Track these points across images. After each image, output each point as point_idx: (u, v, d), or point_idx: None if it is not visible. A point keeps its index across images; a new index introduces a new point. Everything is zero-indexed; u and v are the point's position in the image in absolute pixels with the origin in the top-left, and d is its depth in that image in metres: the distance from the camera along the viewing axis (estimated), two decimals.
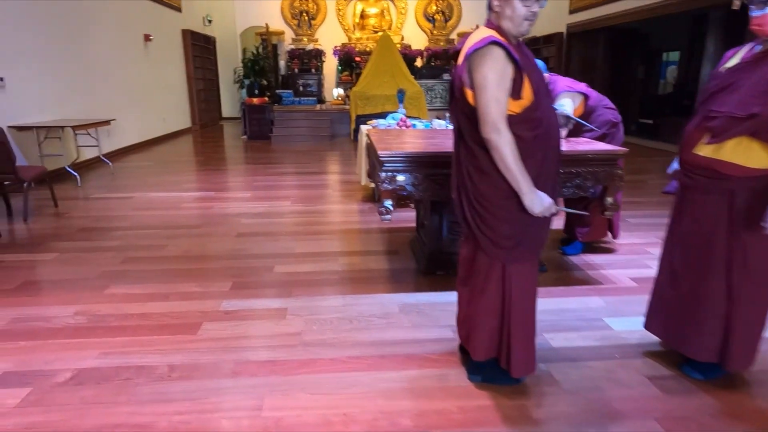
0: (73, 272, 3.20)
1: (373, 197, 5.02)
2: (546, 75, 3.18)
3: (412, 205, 4.72)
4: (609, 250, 3.59)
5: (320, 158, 7.91)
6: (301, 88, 12.69)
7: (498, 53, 1.71)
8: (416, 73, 11.51)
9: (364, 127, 5.00)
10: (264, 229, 4.12)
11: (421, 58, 13.16)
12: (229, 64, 13.14)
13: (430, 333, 2.48)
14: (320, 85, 13.09)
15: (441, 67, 12.35)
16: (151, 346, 2.34)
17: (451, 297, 2.62)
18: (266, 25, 12.21)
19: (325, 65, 13.49)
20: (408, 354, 2.29)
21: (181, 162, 7.52)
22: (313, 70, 13.05)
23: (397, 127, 4.58)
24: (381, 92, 9.54)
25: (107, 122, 6.72)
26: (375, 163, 3.03)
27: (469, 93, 1.79)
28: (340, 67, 13.23)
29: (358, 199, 5.13)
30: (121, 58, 7.97)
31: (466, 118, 1.84)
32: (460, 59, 1.82)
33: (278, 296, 2.86)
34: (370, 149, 3.37)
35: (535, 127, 1.79)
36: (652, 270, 3.15)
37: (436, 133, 3.62)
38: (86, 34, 6.93)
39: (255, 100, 9.80)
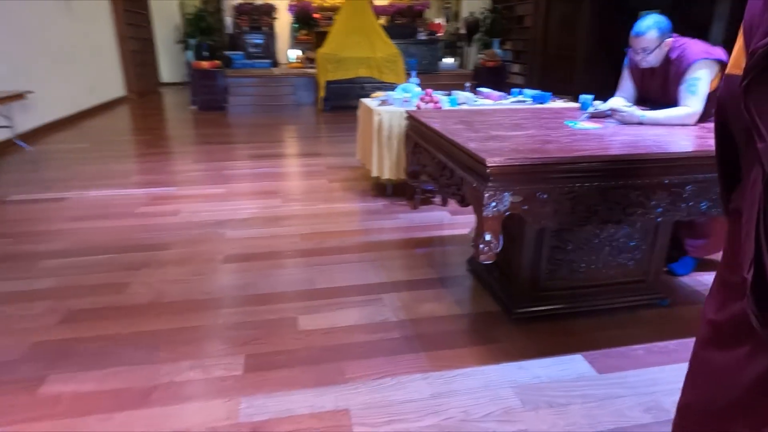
0: None
1: (385, 190, 4.02)
2: (669, 39, 2.28)
3: (438, 201, 3.77)
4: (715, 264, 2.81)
5: (294, 135, 6.73)
6: (251, 49, 11.17)
7: None
8: None
9: (371, 102, 3.93)
10: (260, 247, 3.05)
11: (386, 16, 11.91)
12: (165, 21, 11.33)
13: None
14: (273, 45, 11.61)
15: (409, 26, 11.18)
16: None
17: (579, 367, 1.77)
18: None
19: (277, 23, 11.98)
20: None
21: (121, 143, 6.12)
22: (264, 29, 11.53)
23: (423, 104, 3.56)
24: (354, 54, 8.34)
25: (20, 95, 5.22)
26: (451, 168, 2.04)
27: None
28: (296, 25, 11.78)
29: (366, 191, 4.11)
30: (38, 16, 6.30)
31: None
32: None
33: (323, 382, 1.87)
34: (426, 142, 2.36)
35: None
36: None
37: (518, 115, 2.64)
38: None
39: (205, 64, 8.32)
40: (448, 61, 11.07)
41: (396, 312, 2.34)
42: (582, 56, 9.91)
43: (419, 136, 2.51)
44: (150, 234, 3.22)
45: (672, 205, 1.93)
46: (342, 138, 6.30)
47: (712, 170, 1.91)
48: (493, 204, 1.75)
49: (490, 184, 1.74)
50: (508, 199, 1.76)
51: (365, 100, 4.13)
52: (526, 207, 1.80)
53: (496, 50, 10.23)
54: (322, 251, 2.99)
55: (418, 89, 4.11)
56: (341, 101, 8.85)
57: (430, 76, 9.32)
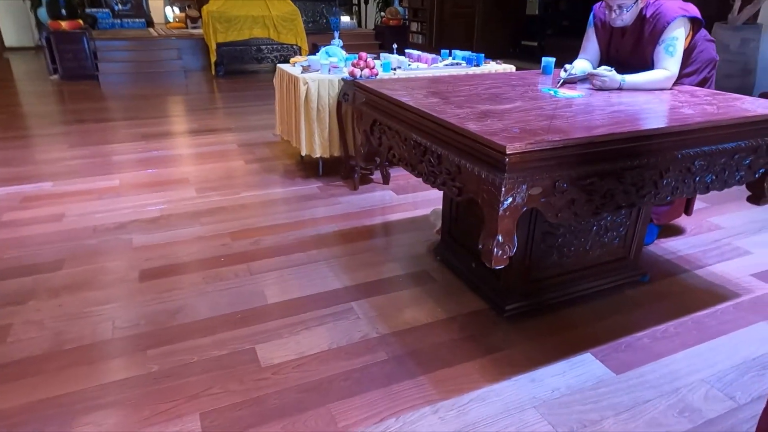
0: None
1: (316, 169, 3.56)
2: None
3: (377, 179, 3.40)
4: (678, 230, 2.80)
5: (188, 107, 5.88)
6: (118, 6, 9.66)
7: None
8: None
9: (292, 69, 3.39)
10: (183, 255, 2.48)
11: None
12: None
13: None
14: (145, 1, 10.15)
15: None
16: None
17: (594, 369, 1.59)
18: None
19: None
20: None
21: None
22: None
23: (358, 70, 3.10)
24: (246, 12, 7.50)
25: None
26: (438, 153, 1.67)
27: None
28: None
29: (293, 172, 3.61)
30: None
31: None
32: None
33: None
34: (391, 119, 1.97)
35: None
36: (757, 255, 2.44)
37: (486, 83, 2.30)
38: None
39: (64, 24, 6.96)
40: (345, 19, 10.46)
41: (373, 325, 1.97)
42: (480, 15, 9.86)
43: (379, 112, 2.10)
44: (29, 250, 2.50)
45: (682, 182, 1.75)
46: (246, 108, 5.62)
47: (719, 140, 1.75)
48: (510, 199, 1.43)
49: (507, 175, 1.40)
50: (525, 191, 1.45)
51: (284, 66, 3.57)
52: (544, 199, 1.51)
53: (398, 8, 9.83)
54: (262, 253, 2.50)
55: (344, 52, 3.63)
56: (235, 65, 7.99)
57: (328, 36, 8.70)
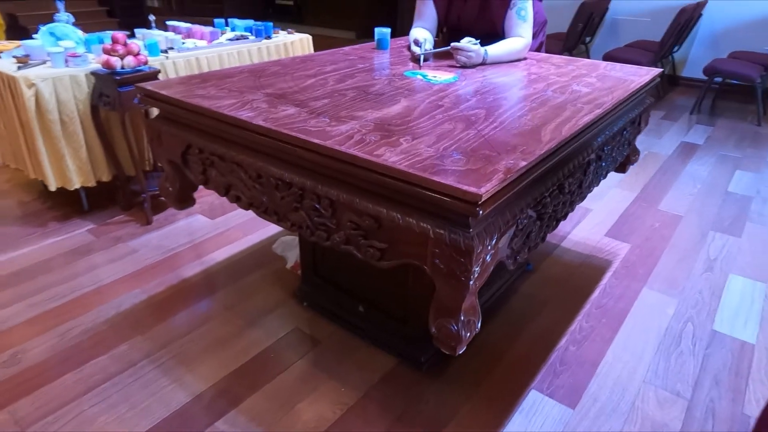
0: None
1: (80, 203, 2.50)
2: None
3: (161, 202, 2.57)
4: None
5: None
6: None
7: None
8: None
9: (3, 65, 2.23)
10: None
11: None
12: None
13: None
14: None
15: None
16: None
17: (550, 410, 1.35)
18: None
19: None
20: None
21: None
22: None
23: (117, 58, 2.14)
24: None
25: None
26: (330, 199, 1.09)
27: None
28: None
29: (37, 213, 2.47)
30: None
31: None
32: None
33: None
34: (218, 143, 1.28)
35: None
36: (597, 211, 2.50)
37: (317, 68, 1.68)
38: None
39: None
40: None
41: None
42: None
43: (197, 132, 1.35)
44: None
45: (594, 174, 1.53)
46: None
47: (619, 118, 1.57)
48: (480, 263, 0.96)
49: (476, 231, 0.92)
50: (494, 244, 0.99)
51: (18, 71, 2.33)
52: (509, 245, 1.08)
53: None
54: (31, 379, 1.55)
55: (80, 32, 2.55)
56: None
57: (33, 3, 6.64)
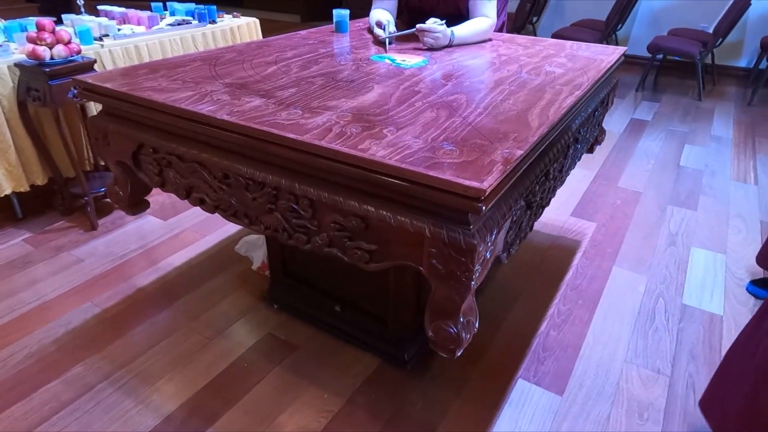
0: None
1: (12, 212, 2.26)
2: None
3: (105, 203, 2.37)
4: None
5: None
6: None
7: None
8: None
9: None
10: None
11: None
12: None
13: None
14: None
15: None
16: None
17: (539, 399, 1.35)
18: None
19: None
20: None
21: None
22: None
23: (44, 48, 1.91)
24: None
25: None
26: (309, 199, 1.00)
27: None
28: None
29: None
30: None
31: None
32: None
33: None
34: (177, 142, 1.16)
35: None
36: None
37: (278, 53, 1.54)
38: None
39: None
40: None
41: None
42: None
43: (149, 130, 1.21)
44: None
45: (571, 159, 1.50)
46: None
47: (592, 99, 1.54)
48: (480, 261, 0.90)
49: (477, 228, 0.86)
50: (493, 239, 0.93)
51: None
52: (503, 241, 1.02)
53: None
54: None
55: (0, 20, 2.28)
56: None
57: None
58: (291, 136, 0.96)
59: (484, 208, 0.82)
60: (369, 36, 1.91)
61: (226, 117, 1.05)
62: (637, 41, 5.04)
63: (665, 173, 2.86)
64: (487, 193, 0.80)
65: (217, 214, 1.20)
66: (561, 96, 1.26)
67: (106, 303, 1.80)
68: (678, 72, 4.88)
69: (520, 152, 0.93)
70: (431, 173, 0.83)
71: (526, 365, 1.57)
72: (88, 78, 1.27)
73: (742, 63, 4.81)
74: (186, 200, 1.25)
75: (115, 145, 1.31)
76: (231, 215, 1.18)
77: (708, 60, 4.52)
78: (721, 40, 4.26)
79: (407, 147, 0.93)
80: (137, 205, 1.46)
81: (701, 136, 3.42)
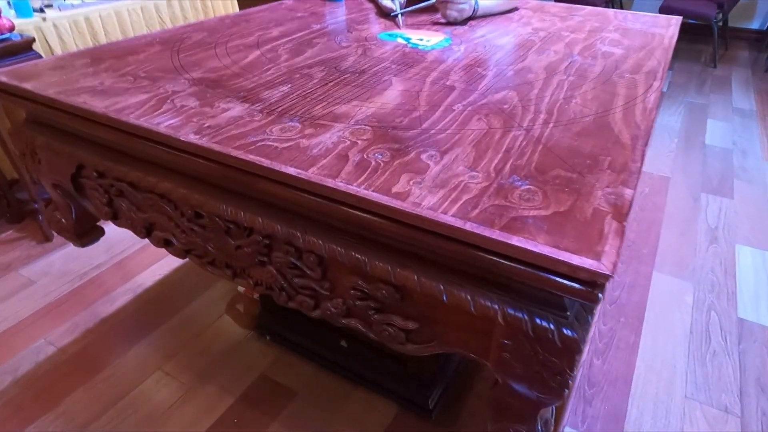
0: None
1: None
2: None
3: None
4: None
5: None
6: None
7: None
8: None
9: None
10: None
11: None
12: None
13: None
14: None
15: None
16: None
17: None
18: None
19: None
20: None
21: None
22: None
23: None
24: None
25: None
26: (351, 263, 0.70)
27: None
28: None
29: None
30: None
31: None
32: None
33: None
34: (138, 169, 0.84)
35: None
36: None
37: (250, 34, 1.21)
38: None
39: None
40: None
41: None
42: None
43: (85, 146, 0.89)
44: None
45: None
46: None
47: None
48: (583, 354, 0.62)
49: (576, 310, 0.58)
50: (593, 323, 0.65)
51: None
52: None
53: None
54: None
55: None
56: None
57: None
58: (291, 171, 0.65)
59: (600, 296, 0.53)
60: (369, 6, 1.56)
61: (193, 138, 0.73)
62: (642, 3, 4.69)
63: (692, 154, 2.60)
64: (610, 276, 0.51)
65: (198, 266, 0.89)
66: (639, 90, 0.96)
67: (63, 339, 1.49)
68: (687, 35, 4.56)
69: (629, 192, 0.64)
70: (516, 243, 0.54)
71: (572, 407, 1.33)
72: (2, 74, 0.93)
73: (755, 25, 4.51)
74: (147, 239, 0.94)
75: (48, 165, 0.98)
76: (208, 263, 0.88)
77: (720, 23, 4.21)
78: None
79: (464, 188, 0.63)
80: (86, 234, 1.14)
81: (723, 108, 3.15)
